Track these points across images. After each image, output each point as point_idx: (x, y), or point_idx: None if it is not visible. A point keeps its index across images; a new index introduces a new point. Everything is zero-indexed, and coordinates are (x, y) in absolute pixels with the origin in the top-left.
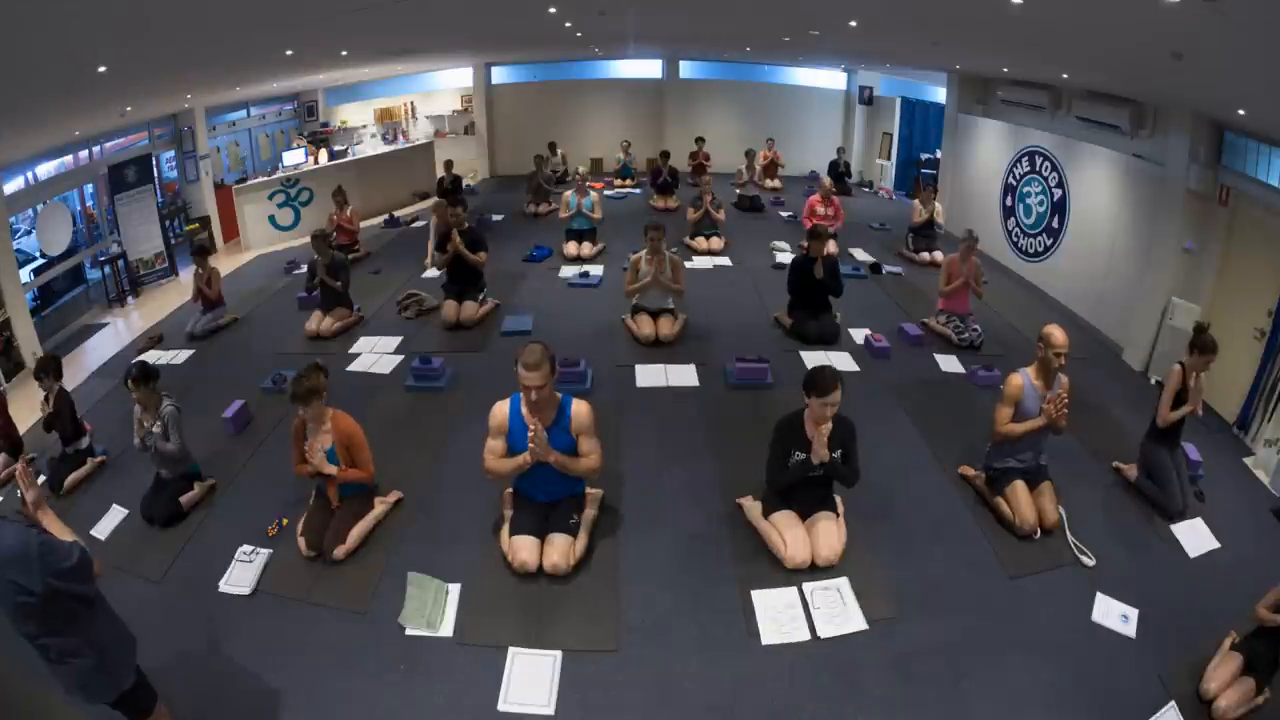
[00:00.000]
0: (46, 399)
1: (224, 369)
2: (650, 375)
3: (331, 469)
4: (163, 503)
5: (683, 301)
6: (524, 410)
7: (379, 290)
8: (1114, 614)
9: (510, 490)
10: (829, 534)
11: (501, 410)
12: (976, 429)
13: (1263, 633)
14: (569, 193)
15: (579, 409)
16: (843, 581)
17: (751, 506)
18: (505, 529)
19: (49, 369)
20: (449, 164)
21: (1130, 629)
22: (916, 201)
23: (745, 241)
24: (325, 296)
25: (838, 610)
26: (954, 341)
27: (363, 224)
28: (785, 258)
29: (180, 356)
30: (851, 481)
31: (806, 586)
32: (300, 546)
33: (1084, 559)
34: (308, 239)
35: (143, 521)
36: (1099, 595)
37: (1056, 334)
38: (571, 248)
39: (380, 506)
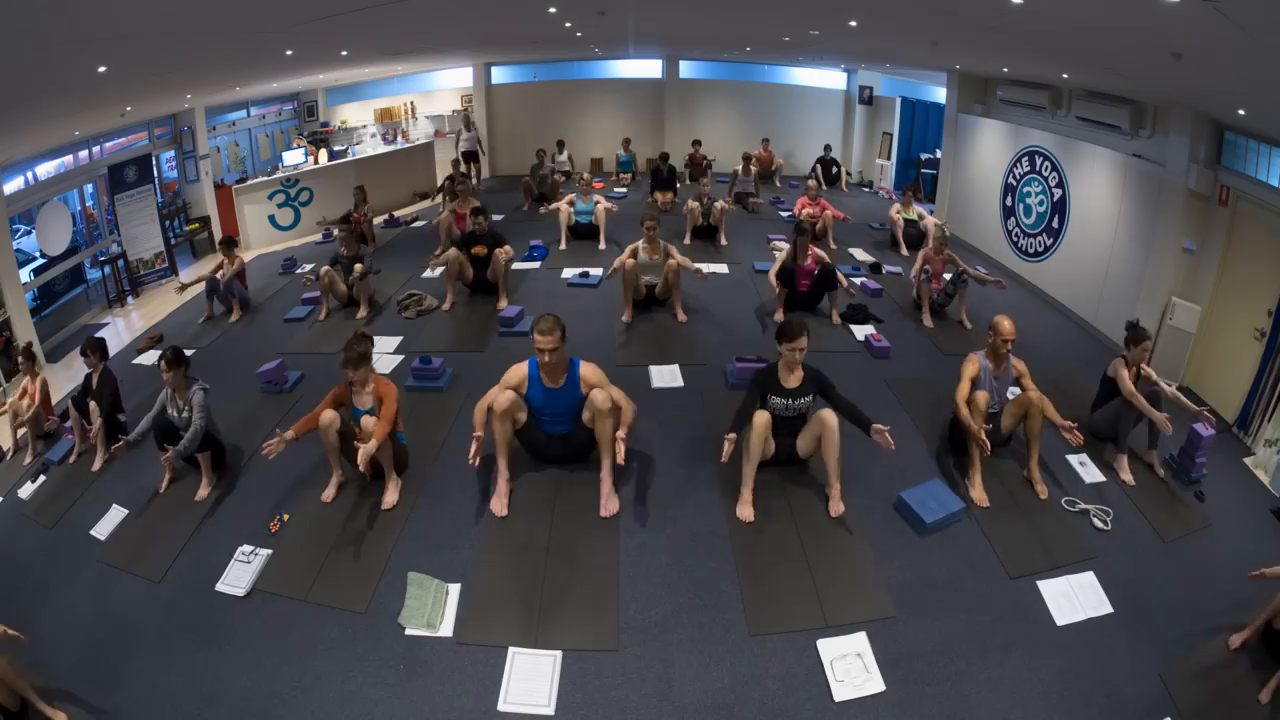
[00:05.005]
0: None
1: (224, 368)
2: (652, 376)
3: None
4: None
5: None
6: (542, 375)
7: (379, 290)
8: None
9: (503, 447)
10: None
11: (520, 370)
12: None
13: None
14: (572, 195)
15: (586, 368)
16: (862, 641)
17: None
18: (501, 482)
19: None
20: (455, 163)
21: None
22: (896, 206)
23: (743, 241)
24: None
25: (860, 679)
26: (934, 299)
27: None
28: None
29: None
30: (854, 410)
31: (825, 655)
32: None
33: (1097, 523)
34: (307, 239)
35: (143, 519)
36: (1099, 595)
37: (1005, 324)
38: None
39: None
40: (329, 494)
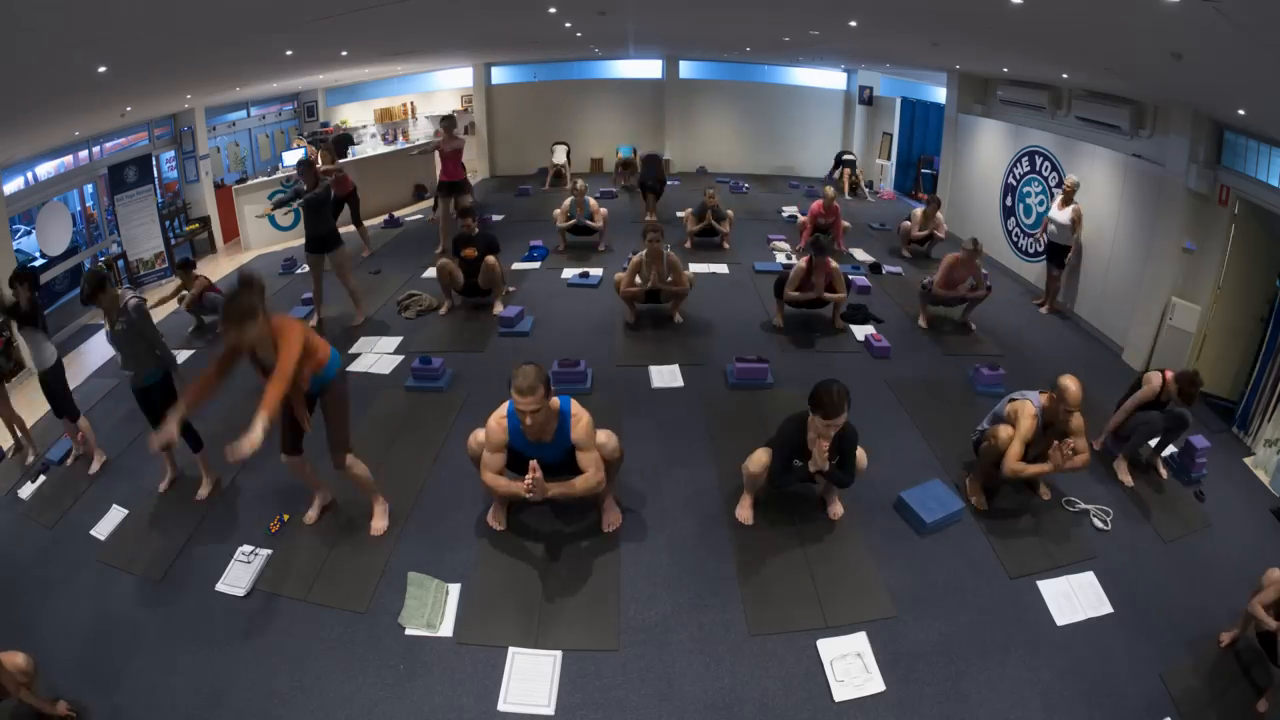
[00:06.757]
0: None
1: None
2: (651, 376)
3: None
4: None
5: (683, 300)
6: (526, 434)
7: (379, 290)
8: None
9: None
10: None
11: (499, 425)
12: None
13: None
14: (568, 200)
15: (578, 421)
16: (862, 641)
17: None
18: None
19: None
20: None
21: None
22: (916, 213)
23: (743, 241)
24: (311, 241)
25: (860, 679)
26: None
27: (365, 223)
28: (785, 259)
29: (179, 357)
30: (846, 484)
31: (825, 654)
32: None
33: (1097, 523)
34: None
35: (143, 519)
36: (1099, 595)
37: (1072, 388)
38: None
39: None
40: (312, 516)
